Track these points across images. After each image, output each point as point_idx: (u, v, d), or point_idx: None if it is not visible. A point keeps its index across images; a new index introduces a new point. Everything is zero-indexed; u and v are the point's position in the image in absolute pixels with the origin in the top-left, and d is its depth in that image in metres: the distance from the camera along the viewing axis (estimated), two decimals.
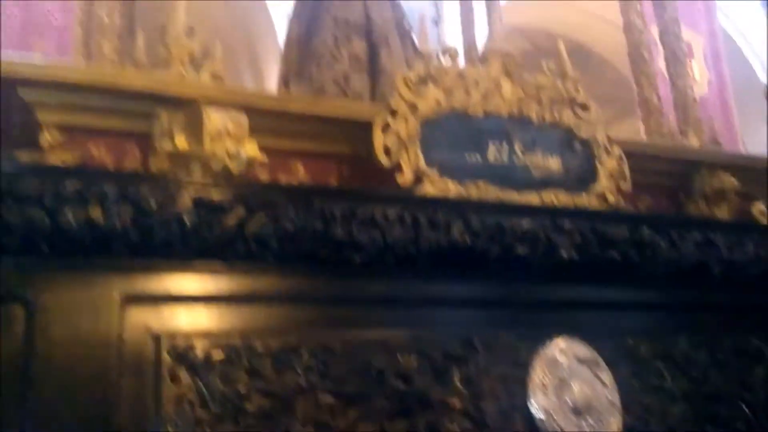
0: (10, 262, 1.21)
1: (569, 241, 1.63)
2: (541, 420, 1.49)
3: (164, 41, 1.76)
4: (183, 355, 1.26)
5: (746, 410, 1.73)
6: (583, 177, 1.89)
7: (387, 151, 1.69)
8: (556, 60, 2.00)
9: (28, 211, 1.20)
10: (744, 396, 1.75)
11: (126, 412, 1.20)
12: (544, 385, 1.52)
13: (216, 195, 1.34)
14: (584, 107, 1.95)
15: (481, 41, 3.00)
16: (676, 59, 2.64)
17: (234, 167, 1.54)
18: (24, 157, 1.50)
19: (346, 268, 1.45)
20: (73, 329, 1.21)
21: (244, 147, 1.56)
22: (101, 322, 1.23)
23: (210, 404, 1.25)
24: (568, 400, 1.52)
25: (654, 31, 2.78)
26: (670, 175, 2.22)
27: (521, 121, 1.85)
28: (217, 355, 1.28)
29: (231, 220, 1.34)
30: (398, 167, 1.69)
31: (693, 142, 2.39)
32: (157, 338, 1.26)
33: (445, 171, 1.72)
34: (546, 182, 1.82)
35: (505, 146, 1.81)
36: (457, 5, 3.35)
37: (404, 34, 2.67)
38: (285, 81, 2.61)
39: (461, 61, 1.99)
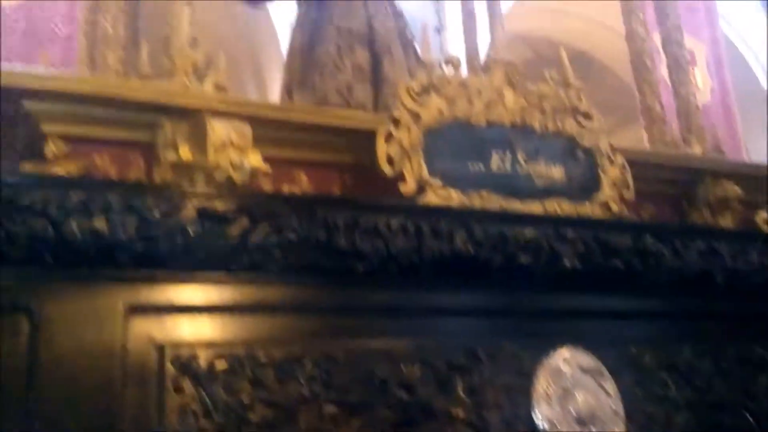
0: (15, 273, 1.21)
1: (572, 250, 1.62)
2: (545, 430, 1.49)
3: (168, 52, 1.77)
4: (186, 365, 1.26)
5: (750, 419, 1.72)
6: (586, 186, 1.89)
7: (390, 161, 1.70)
8: (558, 68, 2.01)
9: (32, 221, 1.21)
10: (748, 405, 1.74)
11: (130, 422, 1.20)
12: (547, 394, 1.51)
13: (220, 205, 1.34)
14: (587, 116, 1.95)
15: (483, 49, 3.00)
16: (679, 67, 2.64)
17: (238, 177, 1.55)
18: (28, 167, 1.51)
19: (349, 278, 1.45)
20: (77, 339, 1.21)
21: (248, 157, 1.56)
22: (105, 332, 1.23)
23: (213, 414, 1.25)
24: (572, 410, 1.52)
25: (656, 38, 2.78)
26: (674, 183, 2.22)
27: (524, 130, 1.85)
28: (221, 365, 1.28)
29: (235, 230, 1.34)
30: (401, 177, 1.69)
31: (696, 150, 2.38)
32: (160, 348, 1.26)
33: (448, 180, 1.72)
34: (549, 191, 1.82)
35: (508, 155, 1.81)
36: (459, 13, 3.35)
37: (407, 44, 2.67)
38: (288, 91, 2.61)
39: (464, 71, 1.99)
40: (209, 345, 1.30)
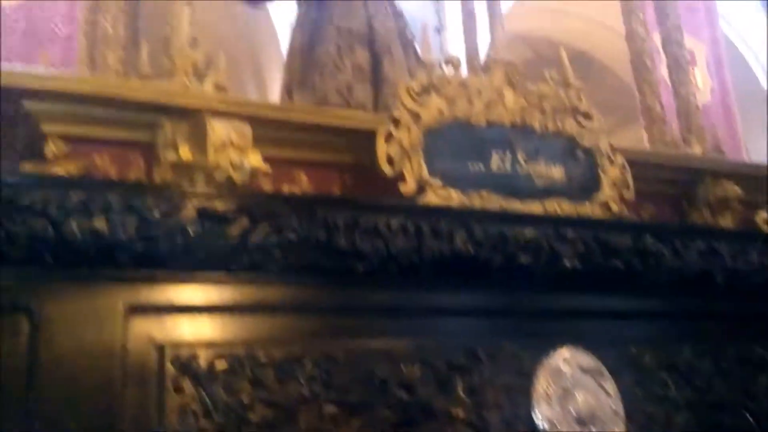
0: (15, 273, 1.21)
1: (572, 250, 1.63)
2: (545, 430, 1.49)
3: (168, 52, 1.77)
4: (186, 366, 1.26)
5: (750, 419, 1.73)
6: (586, 186, 1.89)
7: (390, 161, 1.70)
8: (558, 68, 2.01)
9: (32, 221, 1.21)
10: (748, 405, 1.74)
11: (130, 422, 1.20)
12: (547, 395, 1.52)
13: (220, 205, 1.34)
14: (587, 116, 1.95)
15: (483, 49, 3.00)
16: (679, 67, 2.64)
17: (238, 177, 1.55)
18: (28, 167, 1.51)
19: (349, 278, 1.45)
20: (77, 339, 1.21)
21: (248, 157, 1.57)
22: (105, 332, 1.23)
23: (213, 414, 1.25)
24: (572, 410, 1.52)
25: (656, 38, 2.78)
26: (674, 183, 2.22)
27: (524, 130, 1.85)
28: (221, 365, 1.28)
29: (235, 230, 1.34)
30: (401, 176, 1.69)
31: (696, 150, 2.38)
32: (160, 348, 1.26)
33: (448, 180, 1.72)
34: (549, 191, 1.82)
35: (508, 155, 1.81)
36: (459, 13, 3.35)
37: (407, 44, 2.67)
38: (288, 91, 2.61)
39: (464, 71, 1.99)
40: (209, 345, 1.30)
